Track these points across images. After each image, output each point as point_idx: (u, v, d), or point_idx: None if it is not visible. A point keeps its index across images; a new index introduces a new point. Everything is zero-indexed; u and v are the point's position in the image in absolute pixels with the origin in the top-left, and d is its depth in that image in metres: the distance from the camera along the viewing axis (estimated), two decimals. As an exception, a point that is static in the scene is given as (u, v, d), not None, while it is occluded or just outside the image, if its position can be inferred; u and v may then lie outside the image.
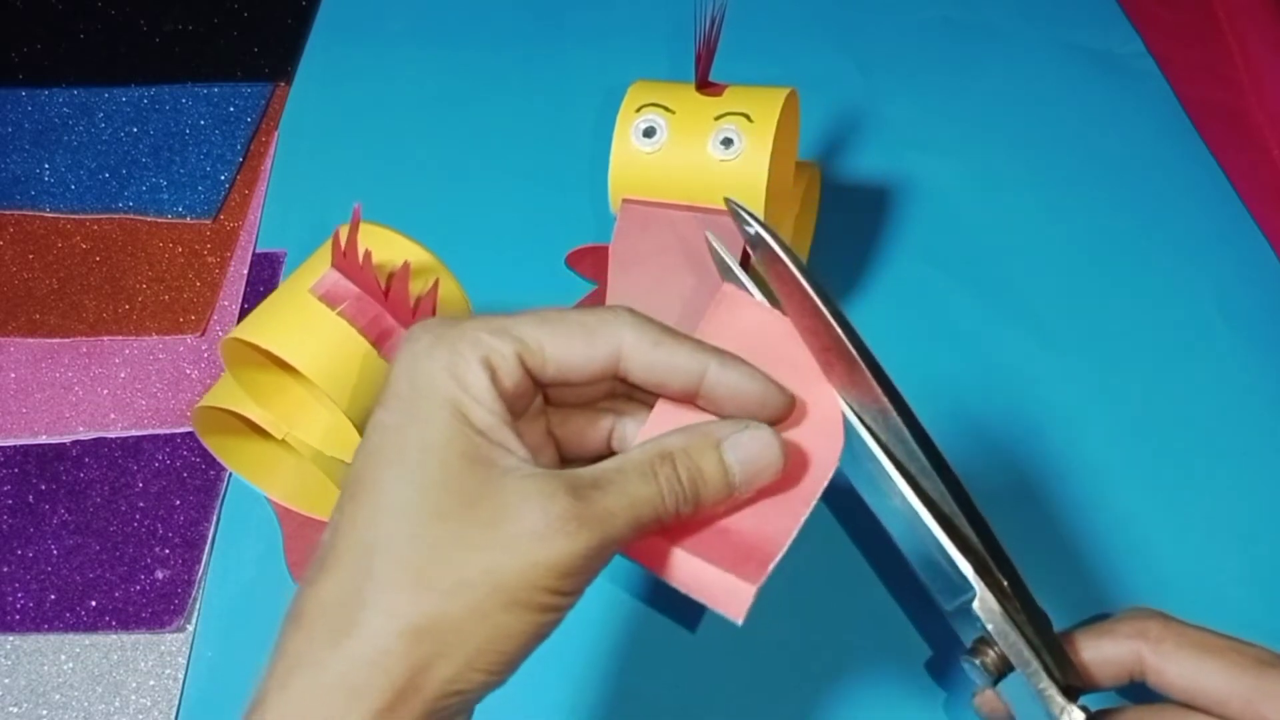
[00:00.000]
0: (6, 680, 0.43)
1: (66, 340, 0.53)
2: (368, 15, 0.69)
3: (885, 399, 0.28)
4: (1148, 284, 0.53)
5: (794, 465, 0.28)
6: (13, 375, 0.52)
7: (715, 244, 0.31)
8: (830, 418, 0.29)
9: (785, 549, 0.27)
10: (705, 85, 0.43)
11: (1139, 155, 0.59)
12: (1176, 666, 0.32)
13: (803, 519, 0.28)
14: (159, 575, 0.45)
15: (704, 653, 0.42)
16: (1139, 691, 0.35)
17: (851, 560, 0.44)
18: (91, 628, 0.44)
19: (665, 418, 0.29)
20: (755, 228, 0.29)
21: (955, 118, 0.61)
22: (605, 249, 0.44)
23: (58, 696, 0.43)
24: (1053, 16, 0.66)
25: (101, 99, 0.64)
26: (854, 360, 0.27)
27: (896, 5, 0.67)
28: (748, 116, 0.41)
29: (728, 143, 0.41)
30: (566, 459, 0.30)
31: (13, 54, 0.68)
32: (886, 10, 0.67)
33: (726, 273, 0.31)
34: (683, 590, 0.28)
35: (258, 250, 0.57)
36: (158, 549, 0.46)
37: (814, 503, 0.28)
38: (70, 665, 0.43)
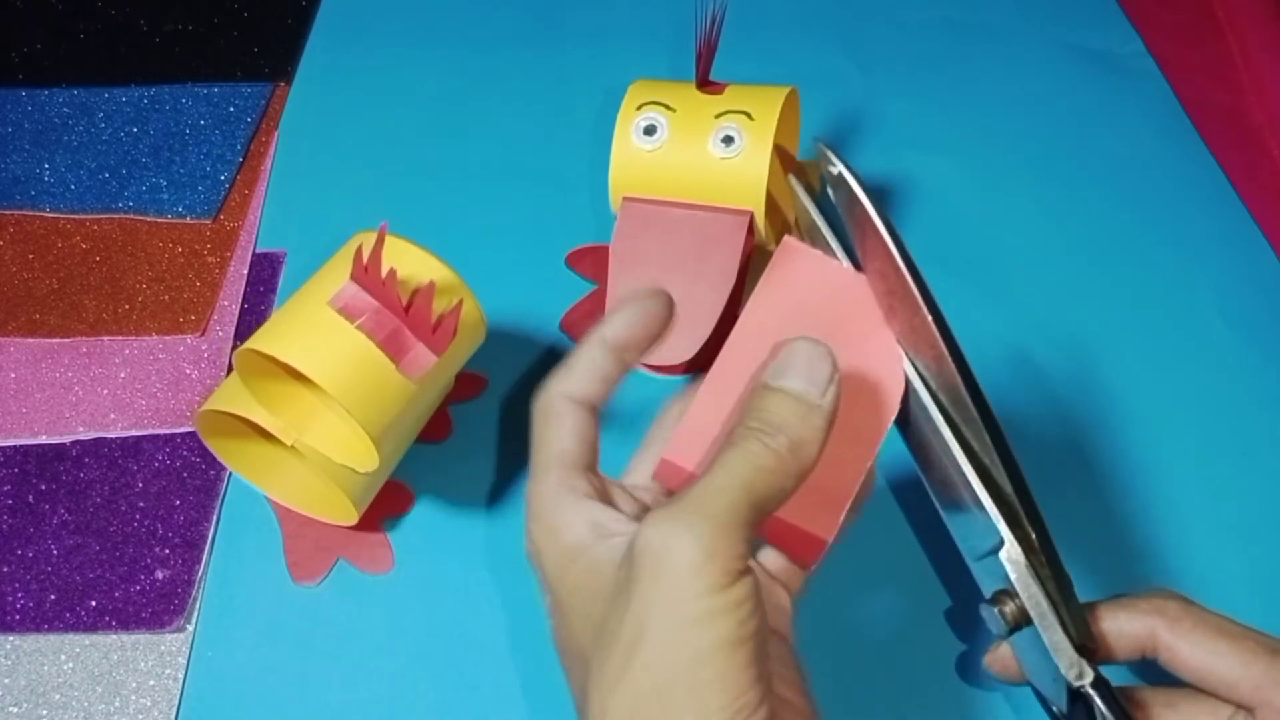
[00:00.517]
0: (6, 680, 0.43)
1: (66, 340, 0.53)
2: (368, 15, 0.69)
3: (943, 345, 0.28)
4: (1148, 284, 0.53)
5: (856, 415, 0.29)
6: (13, 375, 0.52)
7: (795, 185, 0.32)
8: (891, 370, 0.30)
9: (853, 497, 0.29)
10: (706, 84, 0.43)
11: (1139, 155, 0.59)
12: (1190, 647, 0.32)
13: (867, 467, 0.29)
14: (159, 575, 0.45)
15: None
16: (1148, 671, 0.35)
17: (880, 500, 0.44)
18: (91, 628, 0.44)
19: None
20: (839, 167, 0.30)
21: (955, 118, 0.61)
22: (605, 249, 0.44)
23: (58, 696, 0.43)
24: (1053, 16, 0.66)
25: (101, 99, 0.64)
26: (918, 305, 0.28)
27: (896, 5, 0.67)
28: (748, 115, 0.41)
29: (728, 141, 0.41)
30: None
31: (13, 54, 0.68)
32: (886, 10, 0.67)
33: (802, 212, 0.32)
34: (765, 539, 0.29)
35: (258, 250, 0.57)
36: (158, 549, 0.46)
37: (875, 453, 0.29)
38: (70, 665, 0.43)
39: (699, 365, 0.42)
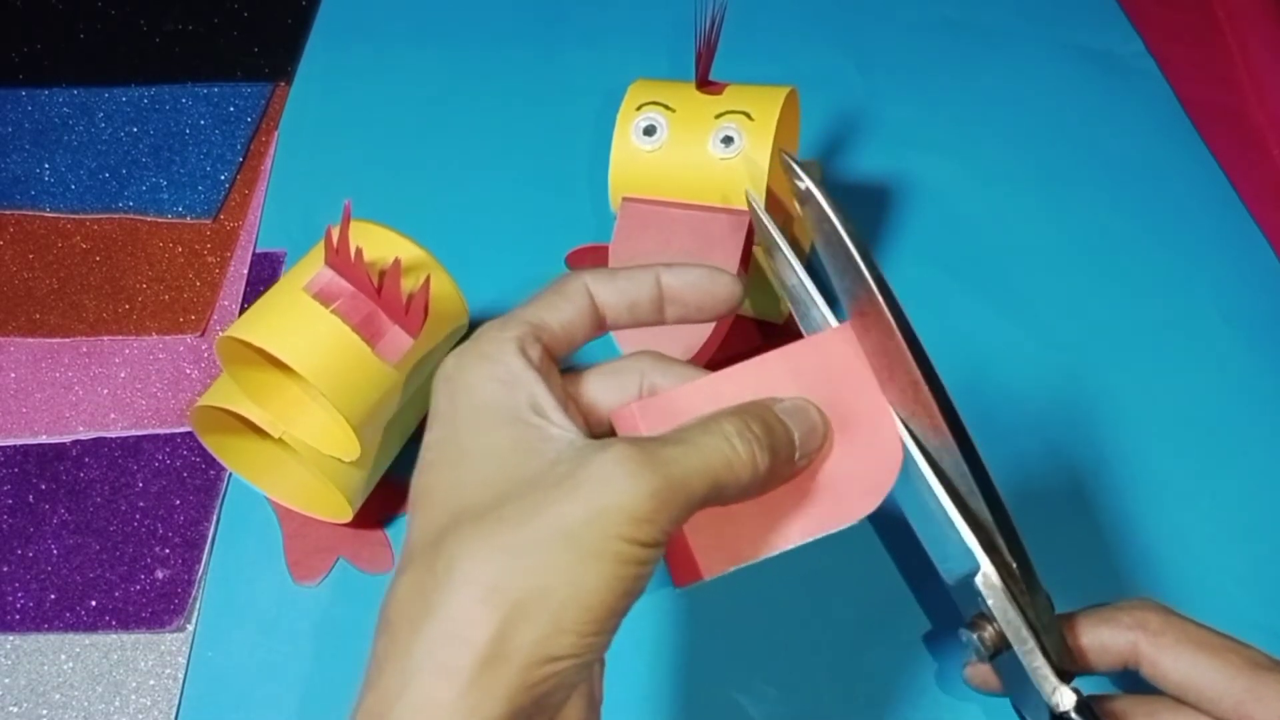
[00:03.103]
0: (6, 680, 0.43)
1: (66, 340, 0.53)
2: (368, 15, 0.69)
3: (918, 371, 0.28)
4: (1148, 284, 0.53)
5: (825, 494, 0.29)
6: (13, 375, 0.52)
7: (757, 207, 0.31)
8: (884, 420, 0.29)
9: (760, 558, 0.28)
10: (705, 84, 0.43)
11: (1139, 155, 0.59)
12: (1173, 660, 0.32)
13: (797, 540, 0.28)
14: (159, 575, 0.45)
15: (698, 615, 0.42)
16: (1130, 681, 0.35)
17: (858, 527, 0.44)
18: (91, 628, 0.44)
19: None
20: (805, 183, 0.30)
21: (955, 118, 0.61)
22: (605, 249, 0.44)
23: (58, 696, 0.43)
24: (1053, 16, 0.66)
25: (101, 99, 0.64)
26: (891, 329, 0.28)
27: (896, 5, 0.67)
28: (748, 115, 0.41)
29: (728, 141, 0.41)
30: (594, 431, 0.30)
31: (13, 54, 0.68)
32: (886, 10, 0.67)
33: (765, 235, 0.31)
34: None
35: (258, 250, 0.57)
36: (158, 549, 0.46)
37: (815, 535, 0.28)
38: (70, 665, 0.43)
39: (697, 365, 0.42)
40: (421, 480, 0.26)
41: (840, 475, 0.28)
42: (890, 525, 0.44)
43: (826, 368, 0.29)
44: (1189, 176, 0.58)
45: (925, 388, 0.28)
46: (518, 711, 0.22)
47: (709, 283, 0.29)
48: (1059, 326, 0.52)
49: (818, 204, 0.29)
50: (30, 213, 0.59)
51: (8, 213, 0.59)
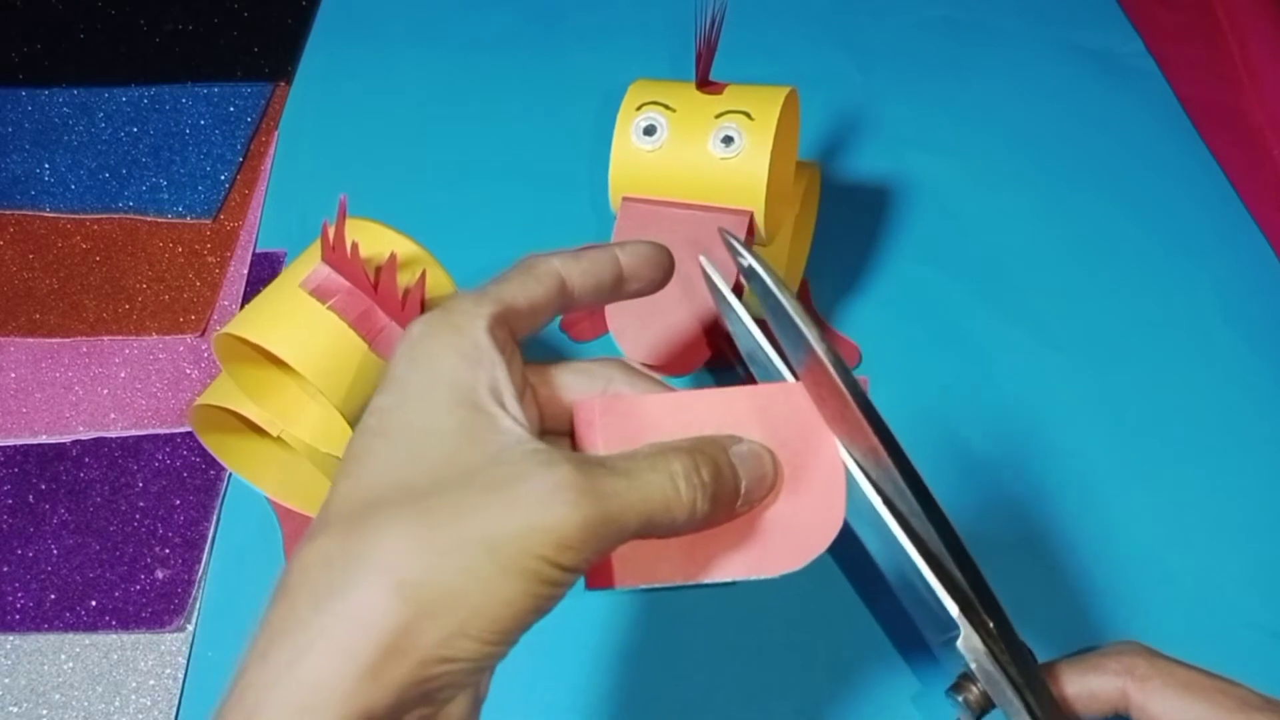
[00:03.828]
0: (6, 680, 0.43)
1: (66, 340, 0.53)
2: (368, 15, 0.69)
3: (876, 438, 0.27)
4: (1148, 284, 0.53)
5: (801, 516, 0.28)
6: (13, 375, 0.52)
7: (710, 271, 0.31)
8: (834, 484, 0.29)
9: (673, 583, 0.28)
10: (706, 84, 0.43)
11: (1139, 155, 0.59)
12: (1162, 704, 0.32)
13: (711, 580, 0.28)
14: (159, 575, 0.45)
15: (690, 663, 0.42)
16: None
17: (843, 592, 0.44)
18: (91, 628, 0.44)
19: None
20: (749, 260, 0.29)
21: (955, 117, 0.61)
22: (605, 248, 0.44)
23: (58, 696, 0.42)
24: (1053, 16, 0.66)
25: (101, 99, 0.64)
26: (845, 398, 0.27)
27: (896, 5, 0.67)
28: (748, 115, 0.41)
29: (728, 141, 0.41)
30: (549, 424, 0.30)
31: (13, 54, 0.68)
32: (886, 10, 0.67)
33: (720, 297, 0.31)
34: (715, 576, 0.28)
35: (258, 250, 0.57)
36: (158, 549, 0.46)
37: (733, 578, 0.28)
38: (70, 665, 0.43)
39: (696, 365, 0.42)
40: (358, 444, 0.25)
41: (777, 527, 0.28)
42: (875, 585, 0.44)
43: (792, 416, 0.29)
44: (1189, 176, 0.58)
45: (885, 454, 0.27)
46: (404, 703, 0.22)
47: (656, 255, 0.30)
48: (1058, 326, 0.52)
49: (761, 280, 0.29)
50: (30, 213, 0.59)
51: (8, 213, 0.59)
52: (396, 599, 0.22)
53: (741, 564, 0.28)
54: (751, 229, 0.42)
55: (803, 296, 0.52)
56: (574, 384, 0.29)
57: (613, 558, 0.27)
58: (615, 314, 0.42)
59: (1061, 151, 0.59)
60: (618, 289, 0.29)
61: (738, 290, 0.31)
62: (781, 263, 0.47)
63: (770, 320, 0.30)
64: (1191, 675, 0.32)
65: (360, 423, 0.25)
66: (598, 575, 0.28)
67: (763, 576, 0.28)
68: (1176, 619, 0.43)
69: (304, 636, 0.22)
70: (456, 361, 0.25)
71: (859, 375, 0.27)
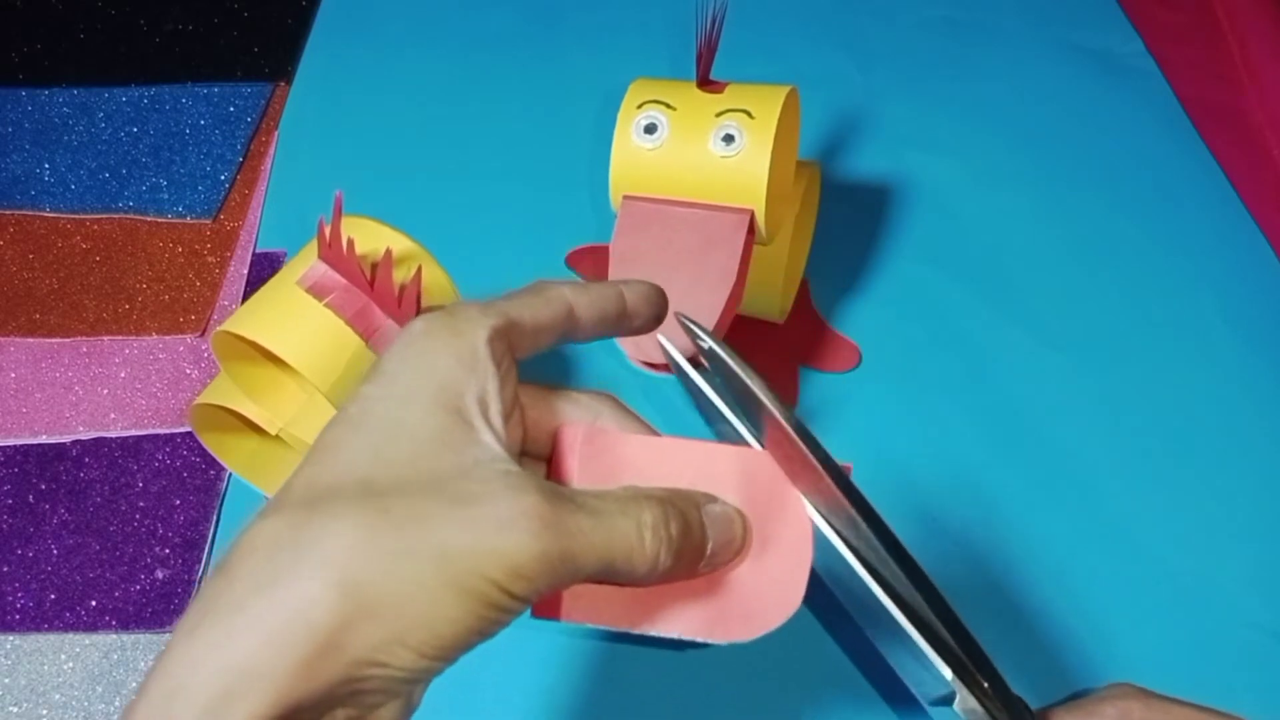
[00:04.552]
0: (6, 680, 0.43)
1: (66, 340, 0.53)
2: (368, 15, 0.69)
3: (851, 508, 0.27)
4: (1148, 284, 0.53)
5: (765, 583, 0.28)
6: (13, 375, 0.52)
7: (668, 346, 0.31)
8: (799, 564, 0.28)
9: (612, 620, 0.27)
10: (706, 83, 0.43)
11: (1139, 155, 0.59)
12: None
13: (658, 631, 0.27)
14: (159, 575, 0.45)
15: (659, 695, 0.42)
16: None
17: (835, 657, 0.43)
18: (91, 628, 0.44)
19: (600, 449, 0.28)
20: (708, 343, 0.29)
21: (955, 117, 0.61)
22: (605, 249, 0.44)
23: (58, 696, 0.42)
24: (1053, 16, 0.66)
25: (101, 99, 0.64)
26: (816, 469, 0.27)
27: (896, 5, 0.67)
28: (749, 113, 0.41)
29: (729, 139, 0.41)
30: (531, 447, 0.29)
31: (13, 54, 0.68)
32: (886, 10, 0.67)
33: (679, 371, 0.31)
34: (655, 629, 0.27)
35: (258, 250, 0.57)
36: (158, 549, 0.46)
37: (673, 632, 0.27)
38: (70, 665, 0.43)
39: (696, 365, 0.42)
40: (332, 432, 0.25)
41: (735, 594, 0.28)
42: (863, 647, 0.43)
43: (771, 486, 0.28)
44: (1189, 176, 0.58)
45: (864, 525, 0.27)
46: (331, 699, 0.22)
47: (657, 297, 0.30)
48: (1058, 326, 0.52)
49: (722, 361, 0.29)
50: (30, 213, 0.59)
51: (8, 213, 0.59)
52: (339, 596, 0.21)
53: (691, 624, 0.27)
54: (752, 228, 0.42)
55: (803, 296, 0.52)
56: (564, 410, 0.29)
57: (563, 591, 0.27)
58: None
59: (1061, 151, 0.59)
60: (619, 323, 0.29)
61: (696, 362, 0.31)
62: (781, 263, 0.47)
63: (736, 399, 0.29)
64: (1187, 712, 0.33)
65: (341, 408, 0.25)
66: (546, 606, 0.27)
67: (711, 641, 0.27)
68: (1176, 619, 0.43)
69: (240, 619, 0.21)
70: (451, 364, 0.25)
71: (843, 462, 0.27)
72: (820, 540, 0.28)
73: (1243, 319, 0.52)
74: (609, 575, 0.25)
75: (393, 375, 0.25)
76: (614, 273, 0.43)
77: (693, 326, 0.30)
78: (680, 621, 0.27)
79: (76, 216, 0.58)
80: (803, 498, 0.28)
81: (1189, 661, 0.42)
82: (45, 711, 0.42)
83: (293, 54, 0.67)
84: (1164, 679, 0.37)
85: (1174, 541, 0.45)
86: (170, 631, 0.44)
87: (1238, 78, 0.62)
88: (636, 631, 0.27)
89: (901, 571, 0.28)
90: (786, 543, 0.28)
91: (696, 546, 0.26)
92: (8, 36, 0.69)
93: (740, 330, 0.49)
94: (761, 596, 0.27)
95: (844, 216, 0.56)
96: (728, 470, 0.28)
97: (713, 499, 0.27)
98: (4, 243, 0.57)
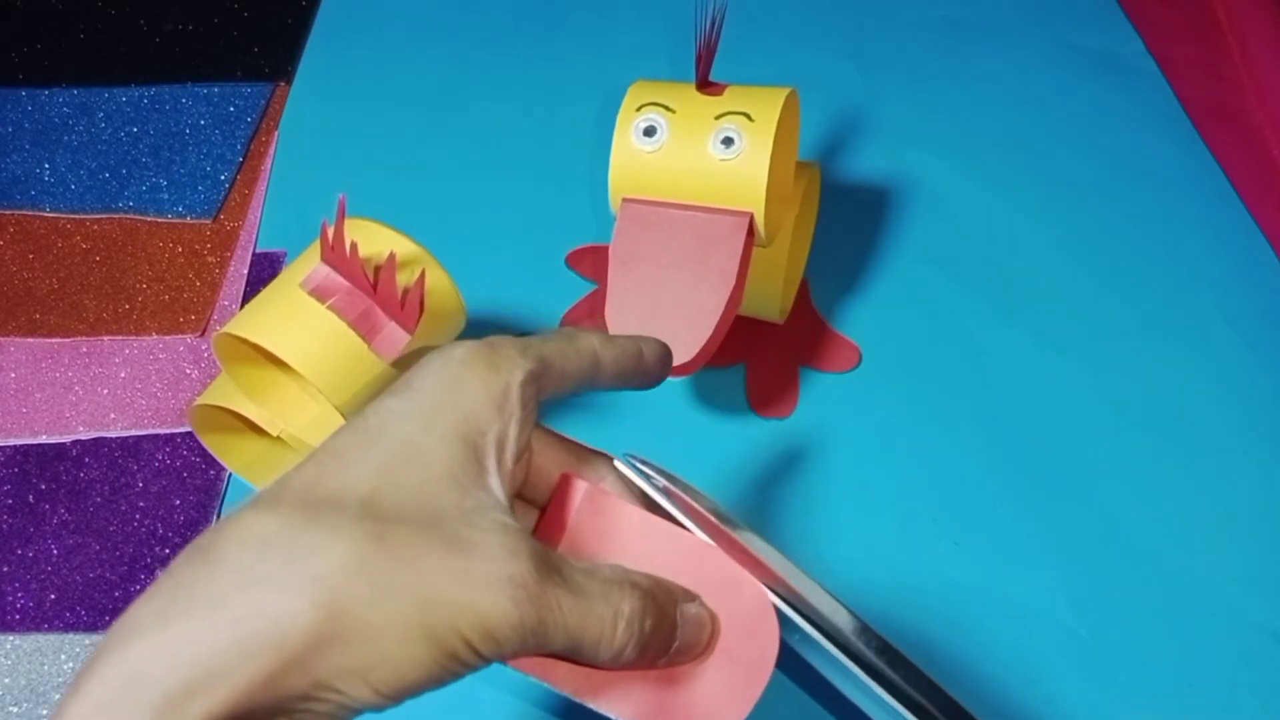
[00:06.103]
0: (6, 680, 0.43)
1: (66, 340, 0.53)
2: (368, 15, 0.69)
3: (816, 605, 0.28)
4: (1148, 284, 0.53)
5: (735, 667, 0.28)
6: (13, 375, 0.52)
7: (633, 474, 0.30)
8: (754, 679, 0.28)
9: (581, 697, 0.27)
10: (706, 85, 0.43)
11: (1139, 155, 0.59)
12: None
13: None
14: (159, 575, 0.45)
15: None
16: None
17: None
18: (91, 628, 0.44)
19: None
20: (662, 482, 0.30)
21: (955, 118, 0.61)
22: (605, 249, 0.44)
23: (58, 696, 0.42)
24: (1053, 16, 0.66)
25: (101, 99, 0.64)
26: (783, 581, 0.28)
27: (896, 5, 0.67)
28: (748, 116, 0.41)
29: (728, 142, 0.41)
30: (529, 492, 0.30)
31: (13, 54, 0.68)
32: (886, 10, 0.67)
33: (647, 500, 0.30)
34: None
35: (258, 250, 0.57)
36: (158, 549, 0.46)
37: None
38: (70, 665, 0.43)
39: (697, 366, 0.42)
40: (345, 437, 0.25)
41: (686, 691, 0.28)
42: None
43: (753, 604, 0.28)
44: (1189, 176, 0.58)
45: (797, 591, 0.28)
46: (282, 707, 0.22)
47: (668, 356, 0.31)
48: (1058, 326, 0.52)
49: (681, 499, 0.29)
50: (30, 213, 0.59)
51: (8, 213, 0.59)
52: (320, 615, 0.21)
53: (636, 709, 0.27)
54: (751, 230, 0.42)
55: (803, 297, 0.52)
56: (567, 462, 0.29)
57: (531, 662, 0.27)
58: (615, 316, 0.42)
59: (1062, 151, 0.59)
60: (634, 378, 0.30)
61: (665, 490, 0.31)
62: (781, 263, 0.47)
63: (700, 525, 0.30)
64: None
65: (360, 414, 0.25)
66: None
67: None
68: (1177, 619, 0.43)
69: (219, 616, 0.21)
70: (482, 399, 0.25)
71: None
72: (795, 629, 0.28)
73: (1242, 319, 0.52)
74: (572, 654, 0.25)
75: (421, 392, 0.25)
76: (613, 274, 0.43)
77: (642, 468, 0.30)
78: (627, 704, 0.27)
79: (76, 216, 0.58)
80: (778, 629, 0.28)
81: (1189, 661, 0.42)
82: (45, 711, 0.42)
83: (293, 54, 0.67)
84: (1164, 679, 0.37)
85: (1174, 541, 0.45)
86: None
87: (1238, 78, 0.62)
88: (580, 702, 0.27)
89: (880, 661, 0.28)
90: (748, 661, 0.28)
91: (662, 644, 0.26)
92: (8, 36, 0.69)
93: (740, 330, 0.49)
94: (710, 700, 0.27)
95: (844, 216, 0.56)
96: (715, 575, 0.28)
97: (692, 598, 0.28)
98: (4, 243, 0.58)
